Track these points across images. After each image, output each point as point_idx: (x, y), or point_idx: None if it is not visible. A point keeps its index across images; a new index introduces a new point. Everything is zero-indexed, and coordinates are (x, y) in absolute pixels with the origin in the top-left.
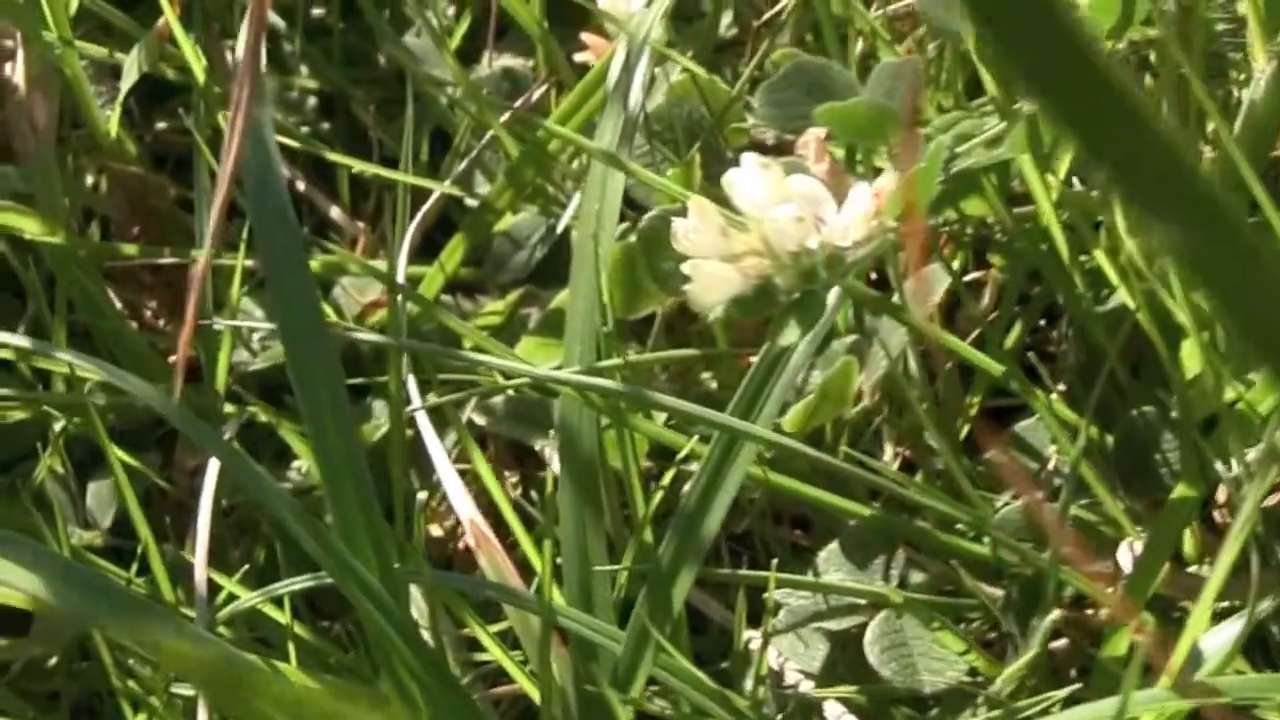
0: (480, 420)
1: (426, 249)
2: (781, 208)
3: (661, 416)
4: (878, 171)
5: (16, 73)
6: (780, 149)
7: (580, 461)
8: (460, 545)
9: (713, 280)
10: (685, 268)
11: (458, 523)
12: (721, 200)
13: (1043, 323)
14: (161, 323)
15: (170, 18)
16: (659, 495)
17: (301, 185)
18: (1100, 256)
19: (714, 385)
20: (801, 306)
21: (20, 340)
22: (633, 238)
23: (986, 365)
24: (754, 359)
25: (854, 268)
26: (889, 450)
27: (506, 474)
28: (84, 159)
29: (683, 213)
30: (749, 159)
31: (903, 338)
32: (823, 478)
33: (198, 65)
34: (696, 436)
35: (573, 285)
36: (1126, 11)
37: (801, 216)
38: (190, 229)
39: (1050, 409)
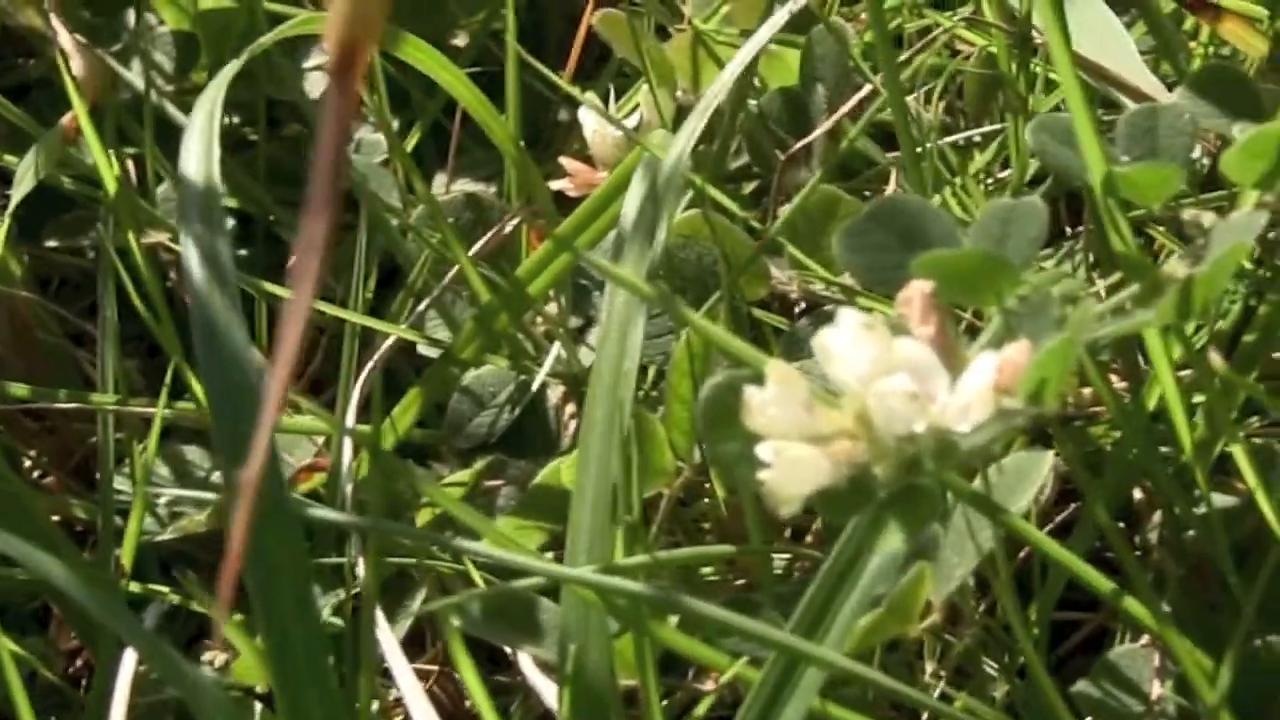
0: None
1: (367, 403)
2: (891, 380)
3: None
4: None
5: None
6: (811, 307)
7: (586, 680)
8: None
9: (797, 467)
10: (764, 451)
11: None
12: None
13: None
14: (39, 475)
15: (81, 115)
16: None
17: None
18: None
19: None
20: (906, 504)
21: None
22: (704, 406)
23: (1094, 581)
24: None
25: (972, 458)
26: (928, 669)
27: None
28: None
29: (754, 380)
30: (847, 317)
31: (990, 540)
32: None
33: (109, 174)
34: (745, 657)
35: (581, 460)
36: None
37: (916, 393)
38: (80, 366)
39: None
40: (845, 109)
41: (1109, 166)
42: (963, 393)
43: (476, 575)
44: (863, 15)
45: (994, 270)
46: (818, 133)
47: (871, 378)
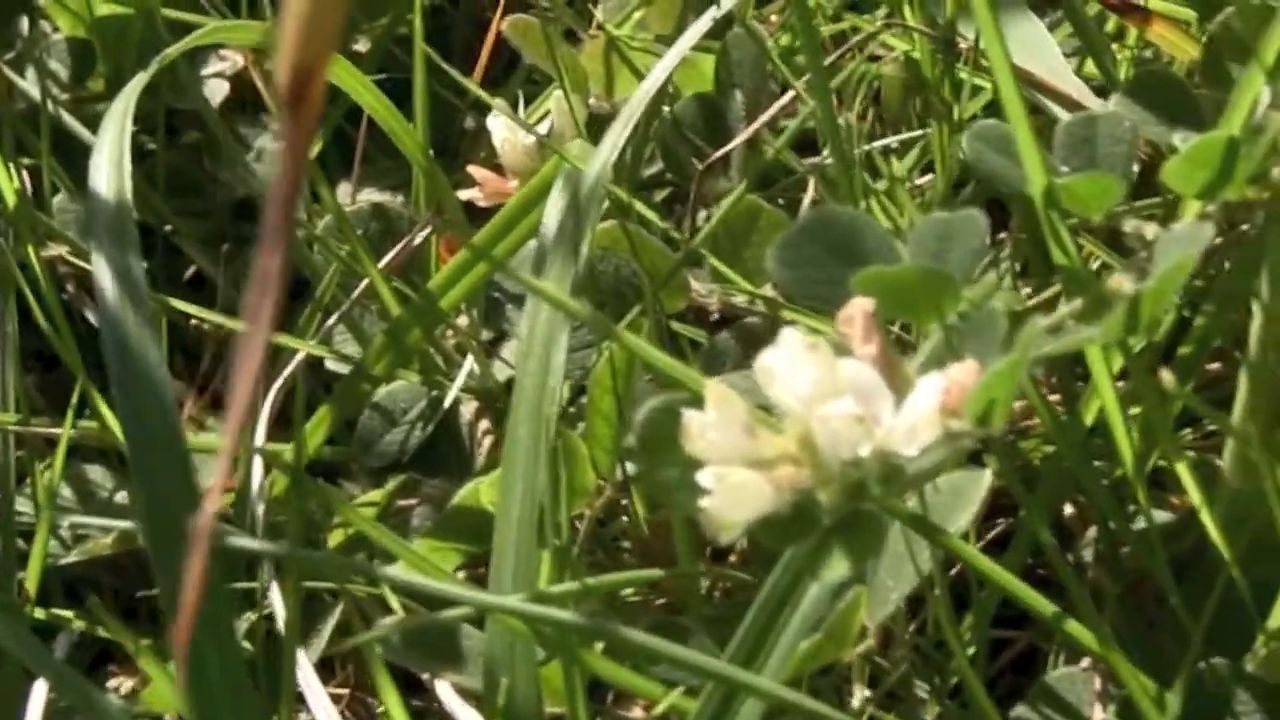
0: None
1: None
2: (836, 403)
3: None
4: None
5: None
6: (727, 319)
7: (514, 710)
8: None
9: (740, 493)
10: (704, 477)
11: None
12: None
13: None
14: None
15: None
16: None
17: None
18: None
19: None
20: (850, 531)
21: None
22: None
23: (1036, 602)
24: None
25: (918, 483)
26: (858, 694)
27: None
28: None
29: (689, 401)
30: (789, 337)
31: (927, 562)
32: None
33: (8, 186)
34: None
35: (506, 480)
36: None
37: (862, 415)
38: None
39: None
40: (766, 116)
41: (1050, 177)
42: (909, 415)
43: (393, 598)
44: (773, 18)
45: (936, 286)
46: (738, 140)
47: (814, 399)
